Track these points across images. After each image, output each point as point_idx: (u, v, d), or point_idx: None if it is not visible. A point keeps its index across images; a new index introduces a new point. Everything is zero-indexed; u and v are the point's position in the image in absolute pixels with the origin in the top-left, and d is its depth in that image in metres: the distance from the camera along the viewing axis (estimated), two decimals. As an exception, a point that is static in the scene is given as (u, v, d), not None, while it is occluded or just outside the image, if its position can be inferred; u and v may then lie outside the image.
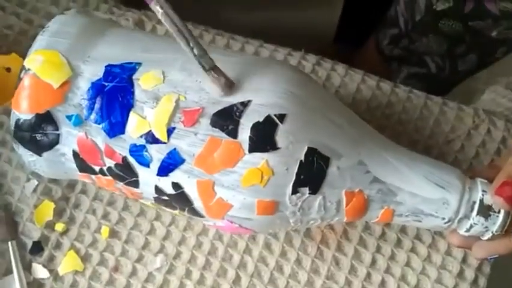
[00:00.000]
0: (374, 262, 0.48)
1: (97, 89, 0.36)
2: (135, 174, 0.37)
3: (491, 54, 0.68)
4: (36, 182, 0.49)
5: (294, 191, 0.36)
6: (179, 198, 0.37)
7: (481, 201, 0.38)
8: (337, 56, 0.55)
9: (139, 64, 0.37)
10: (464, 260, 0.49)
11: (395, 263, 0.48)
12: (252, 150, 0.35)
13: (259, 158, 0.35)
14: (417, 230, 0.49)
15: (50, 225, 0.48)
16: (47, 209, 0.49)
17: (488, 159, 0.51)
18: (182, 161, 0.36)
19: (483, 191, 0.39)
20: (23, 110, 0.36)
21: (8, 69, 0.52)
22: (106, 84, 0.36)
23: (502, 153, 0.51)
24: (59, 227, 0.48)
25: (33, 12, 0.55)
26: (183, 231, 0.49)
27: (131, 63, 0.37)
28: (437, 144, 0.51)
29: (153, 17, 0.54)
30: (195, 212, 0.38)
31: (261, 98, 0.35)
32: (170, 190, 0.37)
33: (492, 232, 0.39)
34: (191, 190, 0.36)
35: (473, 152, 0.52)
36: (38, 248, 0.48)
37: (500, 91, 0.57)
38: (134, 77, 0.36)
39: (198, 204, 0.37)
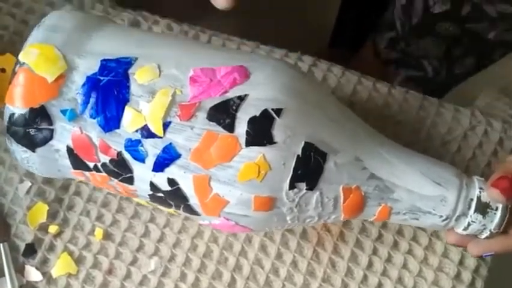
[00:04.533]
0: (370, 264, 0.48)
1: (92, 83, 0.36)
2: (130, 170, 0.37)
3: (488, 57, 0.68)
4: (29, 184, 0.49)
5: (291, 186, 0.36)
6: (175, 195, 0.37)
7: (479, 198, 0.38)
8: (333, 61, 0.55)
9: (135, 59, 0.36)
10: (461, 262, 0.48)
11: (391, 265, 0.48)
12: (248, 144, 0.34)
13: (256, 152, 0.35)
14: (414, 232, 0.49)
15: (43, 227, 0.48)
16: (41, 210, 0.48)
17: (485, 160, 0.51)
18: (178, 155, 0.35)
19: (480, 188, 0.38)
20: (17, 105, 0.36)
21: (3, 70, 0.52)
22: (102, 78, 0.36)
23: (499, 154, 0.51)
24: (53, 229, 0.48)
25: (29, 12, 0.55)
26: (178, 233, 0.48)
27: (127, 57, 0.36)
28: (434, 145, 0.51)
29: (149, 18, 0.54)
30: (190, 210, 0.38)
31: (258, 92, 0.35)
32: (165, 186, 0.37)
33: (490, 230, 0.38)
34: (187, 186, 0.36)
35: (470, 153, 0.51)
36: (31, 250, 0.47)
37: (494, 95, 0.57)
38: (130, 71, 0.36)
39: (193, 201, 0.37)
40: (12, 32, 0.54)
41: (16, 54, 0.38)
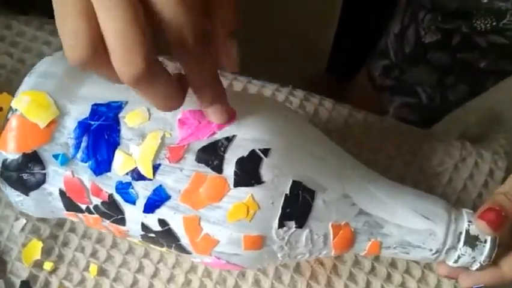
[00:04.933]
0: (364, 297, 0.48)
1: (83, 127, 0.37)
2: (121, 212, 0.37)
3: (480, 85, 0.69)
4: (24, 221, 0.49)
5: (281, 225, 0.36)
6: (166, 235, 0.37)
7: (467, 231, 0.38)
8: (329, 86, 0.56)
9: (125, 102, 0.37)
10: (454, 294, 0.48)
11: (385, 298, 0.48)
12: (237, 184, 0.35)
13: (245, 193, 0.35)
14: (407, 264, 0.49)
15: (38, 264, 0.48)
16: (35, 248, 0.48)
17: (476, 192, 0.52)
18: (168, 197, 0.36)
19: (469, 221, 0.39)
20: (10, 150, 0.37)
21: (0, 109, 0.53)
22: (92, 123, 0.36)
23: (489, 185, 0.52)
24: (48, 265, 0.48)
25: (26, 51, 0.56)
26: (172, 268, 0.48)
27: (117, 101, 0.37)
28: (426, 177, 0.52)
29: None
30: (182, 249, 0.38)
31: (245, 132, 0.36)
32: (156, 227, 0.37)
33: (480, 262, 0.39)
34: (177, 226, 0.36)
35: (461, 185, 0.52)
36: (26, 287, 0.47)
37: (486, 123, 0.57)
38: (120, 115, 0.37)
39: (184, 240, 0.37)
40: (9, 71, 0.55)
41: (13, 93, 0.39)
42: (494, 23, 0.57)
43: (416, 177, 0.52)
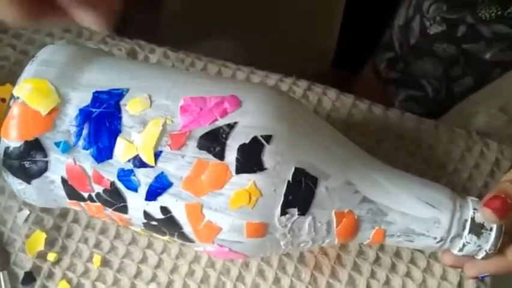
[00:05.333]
0: (368, 287, 0.48)
1: (84, 115, 0.36)
2: (123, 200, 0.37)
3: (486, 76, 0.68)
4: (28, 212, 0.49)
5: (283, 212, 0.36)
6: (168, 223, 0.37)
7: (473, 219, 0.38)
8: (335, 82, 0.56)
9: (127, 90, 0.37)
10: (460, 285, 0.48)
11: (390, 288, 0.48)
12: (239, 171, 0.35)
13: (247, 179, 0.35)
14: (411, 254, 0.49)
15: (42, 255, 0.48)
16: (39, 239, 0.48)
17: (482, 181, 0.51)
18: (170, 184, 0.36)
19: (474, 209, 0.38)
20: (12, 138, 0.37)
21: (3, 100, 0.53)
22: (94, 110, 0.36)
23: (495, 175, 0.51)
24: (51, 256, 0.48)
25: (29, 43, 0.56)
26: (175, 259, 0.48)
27: (118, 89, 0.37)
28: (430, 167, 0.51)
29: (145, 46, 0.55)
30: (184, 237, 0.38)
31: (247, 119, 0.36)
32: (158, 215, 0.37)
33: (485, 251, 0.38)
34: (179, 214, 0.36)
35: (467, 174, 0.51)
36: (30, 278, 0.47)
37: (494, 114, 0.57)
38: (121, 102, 0.37)
39: (187, 228, 0.37)
40: (13, 62, 0.55)
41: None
42: (499, 12, 0.56)
43: (421, 166, 0.51)
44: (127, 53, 0.55)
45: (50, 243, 0.48)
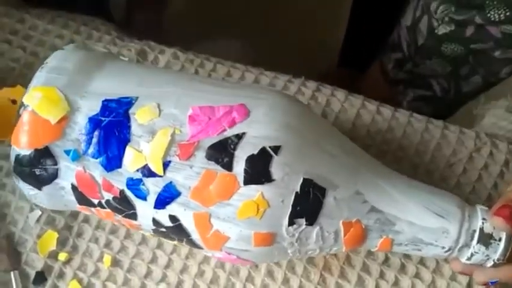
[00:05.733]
0: (377, 288, 0.48)
1: (94, 123, 0.37)
2: (133, 207, 0.37)
3: (495, 75, 0.67)
4: (39, 212, 0.50)
5: (291, 223, 0.36)
6: (177, 231, 0.38)
7: (481, 229, 0.38)
8: (341, 81, 0.55)
9: (136, 98, 0.37)
10: (469, 285, 0.48)
11: (399, 289, 0.48)
12: (247, 182, 0.35)
13: (255, 191, 0.35)
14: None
15: (53, 255, 0.49)
16: (51, 238, 0.49)
17: (491, 182, 0.51)
18: (179, 194, 0.36)
19: (483, 219, 0.38)
20: (22, 146, 0.37)
21: (14, 101, 0.53)
22: (103, 119, 0.37)
23: (505, 176, 0.51)
24: (62, 256, 0.49)
25: (39, 45, 0.56)
26: (185, 259, 0.49)
27: (127, 97, 0.37)
28: (439, 168, 0.51)
29: (155, 47, 0.55)
30: (193, 244, 0.39)
31: (256, 130, 0.36)
32: (167, 222, 0.37)
33: (494, 260, 0.38)
34: (188, 222, 0.37)
35: (476, 175, 0.51)
36: (41, 278, 0.48)
37: (501, 114, 0.56)
38: (130, 111, 0.37)
39: (195, 236, 0.37)
40: (23, 64, 0.55)
41: (26, 86, 0.39)
42: (508, 13, 0.56)
43: (429, 167, 0.51)
44: (137, 54, 0.55)
45: (61, 243, 0.49)
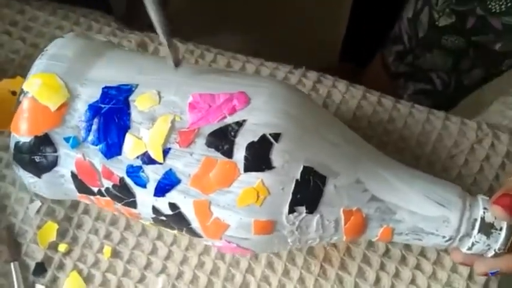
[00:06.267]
0: (378, 280, 0.48)
1: (94, 111, 0.37)
2: (132, 195, 0.37)
3: (496, 67, 0.67)
4: (39, 203, 0.50)
5: (291, 210, 0.36)
6: (177, 219, 0.37)
7: (482, 219, 0.38)
8: (342, 75, 0.55)
9: (136, 85, 0.37)
10: (470, 277, 0.48)
11: (399, 281, 0.48)
12: (247, 169, 0.35)
13: (255, 178, 0.35)
14: (421, 247, 0.48)
15: (53, 246, 0.49)
16: (51, 229, 0.49)
17: (493, 173, 0.51)
18: (178, 181, 0.36)
19: (484, 208, 0.38)
20: (22, 133, 0.37)
21: (14, 93, 0.53)
22: (103, 106, 0.36)
23: (506, 167, 0.51)
24: (62, 247, 0.48)
25: (39, 36, 0.56)
26: (185, 250, 0.49)
27: (127, 84, 0.37)
28: (440, 159, 0.51)
29: (155, 38, 0.55)
30: (193, 232, 0.38)
31: (256, 117, 0.36)
32: (167, 210, 0.37)
33: (494, 250, 0.38)
34: (188, 210, 0.36)
35: (477, 166, 0.51)
36: (41, 269, 0.48)
37: (509, 102, 0.56)
38: (130, 98, 0.37)
39: (195, 224, 0.37)
40: (23, 55, 0.55)
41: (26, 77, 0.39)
42: (509, 4, 0.55)
43: (431, 158, 0.51)
44: (137, 45, 0.55)
45: (61, 234, 0.49)
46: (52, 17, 0.57)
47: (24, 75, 0.52)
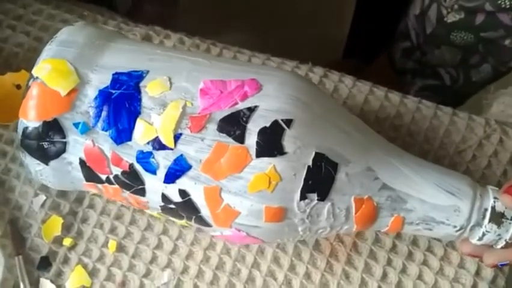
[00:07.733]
0: (385, 275, 0.47)
1: (104, 96, 0.36)
2: (142, 182, 0.37)
3: (505, 63, 0.67)
4: (44, 197, 0.49)
5: (303, 197, 0.36)
6: (186, 206, 0.37)
7: (493, 208, 0.38)
8: (346, 71, 0.55)
9: (146, 72, 0.37)
10: (477, 273, 0.47)
11: (406, 277, 0.47)
12: (259, 155, 0.35)
13: (267, 163, 0.35)
14: (428, 243, 0.48)
15: (58, 240, 0.48)
16: (56, 224, 0.48)
17: (501, 169, 0.51)
18: (189, 167, 0.35)
19: (494, 198, 0.38)
20: (30, 118, 0.37)
21: (18, 86, 0.53)
22: (113, 91, 0.36)
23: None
24: (67, 241, 0.48)
25: (43, 30, 0.56)
26: (190, 245, 0.48)
27: (138, 70, 0.37)
28: (448, 154, 0.51)
29: (160, 32, 0.55)
30: (202, 221, 0.38)
31: (268, 103, 0.35)
32: (177, 198, 0.37)
33: (505, 240, 0.38)
34: (198, 197, 0.36)
35: (485, 162, 0.51)
36: (46, 263, 0.47)
37: (509, 102, 0.56)
38: (141, 84, 0.36)
39: (205, 212, 0.37)
40: (27, 49, 0.55)
41: (30, 71, 0.39)
42: None
43: (439, 154, 0.51)
44: (142, 38, 0.54)
45: (66, 228, 0.48)
46: (56, 10, 0.57)
47: (28, 69, 0.53)
